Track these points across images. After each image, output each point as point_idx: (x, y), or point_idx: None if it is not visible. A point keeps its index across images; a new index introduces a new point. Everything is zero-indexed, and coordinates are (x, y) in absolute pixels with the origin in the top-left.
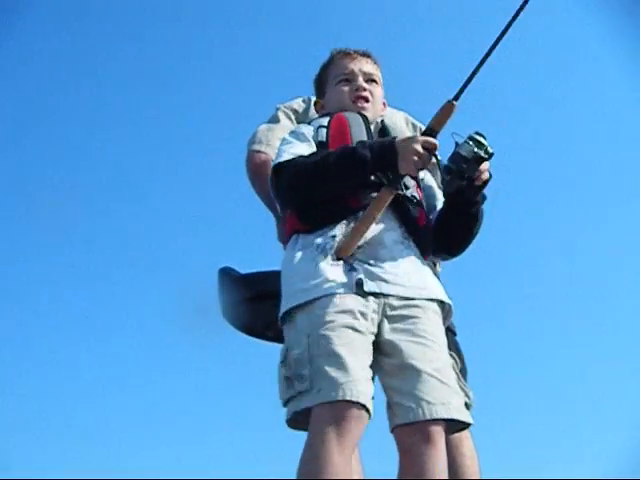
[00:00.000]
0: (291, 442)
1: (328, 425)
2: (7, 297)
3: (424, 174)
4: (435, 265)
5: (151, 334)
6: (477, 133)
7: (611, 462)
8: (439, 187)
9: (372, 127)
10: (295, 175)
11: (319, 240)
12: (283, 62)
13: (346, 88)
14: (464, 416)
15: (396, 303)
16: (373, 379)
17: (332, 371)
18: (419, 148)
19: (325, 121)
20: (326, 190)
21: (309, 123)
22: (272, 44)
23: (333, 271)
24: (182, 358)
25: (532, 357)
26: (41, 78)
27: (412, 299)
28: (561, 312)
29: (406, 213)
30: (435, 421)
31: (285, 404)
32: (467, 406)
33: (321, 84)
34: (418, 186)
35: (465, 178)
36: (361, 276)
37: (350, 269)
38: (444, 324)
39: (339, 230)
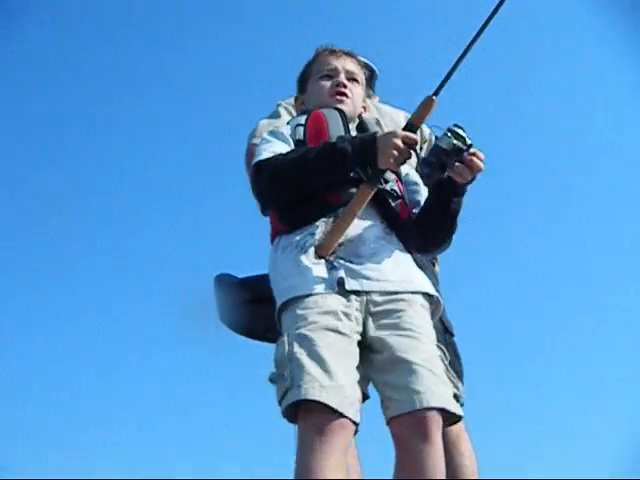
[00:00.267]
0: (291, 442)
1: (312, 435)
2: (7, 297)
3: (408, 169)
4: (434, 265)
5: (150, 334)
6: (456, 125)
7: (611, 462)
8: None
9: (351, 124)
10: (274, 172)
11: (298, 238)
12: (285, 59)
13: (327, 83)
14: (454, 407)
15: (379, 299)
16: (366, 380)
17: (313, 370)
18: (399, 142)
19: (303, 119)
20: (306, 185)
21: (288, 123)
22: (272, 42)
23: (314, 270)
24: (182, 358)
25: (532, 357)
26: (41, 78)
27: (397, 293)
28: (561, 312)
29: (387, 208)
30: (429, 410)
31: (279, 403)
32: (456, 398)
33: (303, 80)
34: (399, 180)
35: (445, 170)
36: (342, 275)
37: (331, 268)
38: (433, 318)
39: (318, 228)
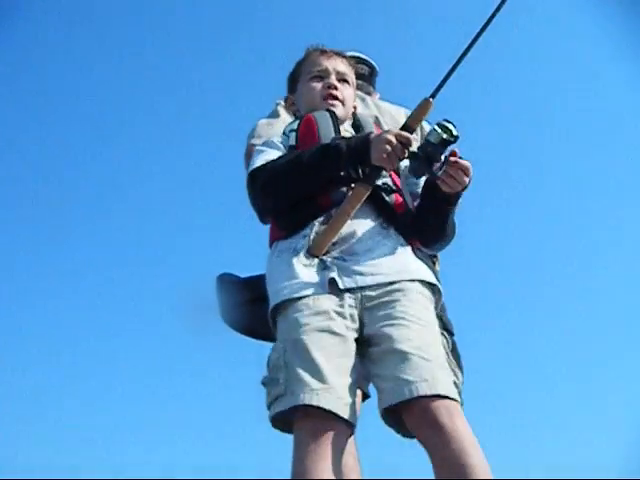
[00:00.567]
0: (291, 442)
1: (307, 438)
2: (7, 297)
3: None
4: (434, 264)
5: (153, 333)
6: (445, 120)
7: (611, 462)
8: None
9: (344, 125)
10: (269, 176)
11: (291, 241)
12: (283, 59)
13: (318, 85)
14: (450, 392)
15: (374, 293)
16: (367, 380)
17: (306, 376)
18: (392, 139)
19: (296, 125)
20: (300, 186)
21: (284, 132)
22: (271, 41)
23: (305, 272)
24: (181, 358)
25: (531, 357)
26: (41, 77)
27: (392, 283)
28: (561, 312)
29: (382, 202)
30: (427, 398)
31: (268, 408)
32: (455, 386)
33: (293, 80)
34: (396, 173)
35: (432, 162)
36: (334, 275)
37: (324, 268)
38: (436, 307)
39: (311, 230)
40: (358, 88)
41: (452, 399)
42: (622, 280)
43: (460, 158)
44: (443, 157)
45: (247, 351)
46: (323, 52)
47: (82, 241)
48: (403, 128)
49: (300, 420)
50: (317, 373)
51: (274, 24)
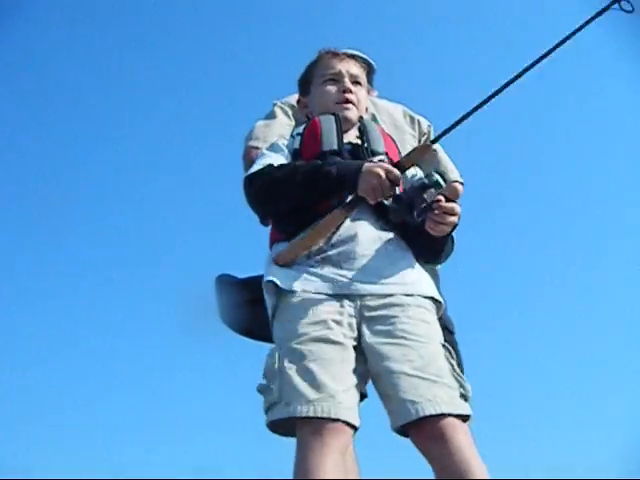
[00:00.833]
0: (290, 442)
1: (309, 441)
2: (7, 297)
3: (415, 171)
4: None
5: (150, 334)
6: (436, 171)
7: (610, 462)
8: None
9: (350, 131)
10: (262, 187)
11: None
12: (281, 59)
13: (332, 88)
14: (456, 408)
15: (373, 303)
16: (364, 380)
17: (302, 386)
18: (382, 173)
19: (302, 128)
20: (290, 199)
21: (292, 135)
22: (269, 41)
23: (303, 275)
24: (181, 358)
25: (531, 357)
26: (41, 77)
27: (390, 295)
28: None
29: (382, 205)
30: (432, 417)
31: (265, 414)
32: (464, 398)
33: (306, 82)
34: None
35: (412, 210)
36: (333, 277)
37: (322, 270)
38: (438, 314)
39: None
40: None
41: (456, 416)
42: (622, 280)
43: (447, 201)
44: (425, 203)
45: (246, 351)
46: (335, 54)
47: (82, 241)
48: (396, 165)
49: (302, 423)
50: (313, 382)
51: (274, 24)
